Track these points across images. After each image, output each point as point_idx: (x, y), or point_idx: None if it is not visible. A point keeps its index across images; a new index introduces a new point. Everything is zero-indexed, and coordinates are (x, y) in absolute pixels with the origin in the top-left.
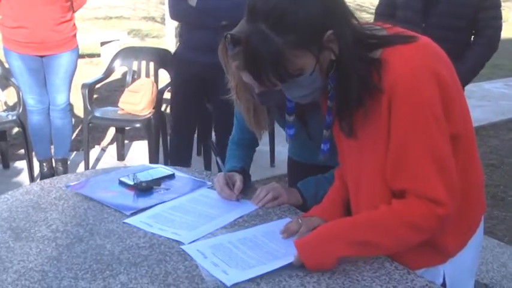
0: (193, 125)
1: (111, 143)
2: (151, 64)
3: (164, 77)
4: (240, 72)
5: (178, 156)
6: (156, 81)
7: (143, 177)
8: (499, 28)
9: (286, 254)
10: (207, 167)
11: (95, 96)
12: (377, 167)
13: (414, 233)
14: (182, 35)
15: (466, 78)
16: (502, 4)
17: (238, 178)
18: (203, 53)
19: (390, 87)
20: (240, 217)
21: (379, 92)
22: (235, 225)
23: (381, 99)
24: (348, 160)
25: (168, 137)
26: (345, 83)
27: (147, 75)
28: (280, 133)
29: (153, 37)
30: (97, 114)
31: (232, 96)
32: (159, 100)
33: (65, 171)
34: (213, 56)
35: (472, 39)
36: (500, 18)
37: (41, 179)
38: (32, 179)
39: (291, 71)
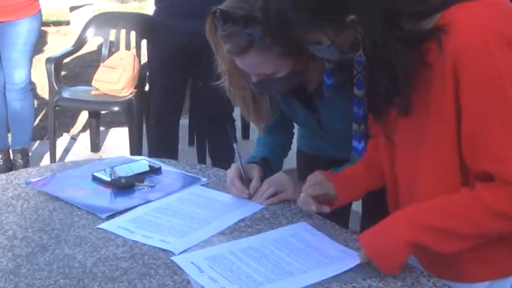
0: (179, 109)
1: (83, 130)
2: (133, 34)
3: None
4: (233, 57)
5: (161, 149)
6: (139, 54)
7: (123, 171)
8: None
9: (303, 269)
10: (201, 159)
11: (62, 73)
12: (442, 151)
13: (500, 221)
14: None
15: None
16: None
17: (256, 173)
18: (188, 18)
19: (456, 54)
20: (242, 220)
21: (436, 64)
22: (235, 231)
23: (444, 69)
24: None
25: (145, 126)
26: (372, 73)
27: (128, 48)
28: None
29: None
30: (65, 95)
31: (223, 82)
32: (142, 78)
33: (26, 165)
34: (200, 23)
35: None
36: None
37: None
38: None
39: (302, 42)
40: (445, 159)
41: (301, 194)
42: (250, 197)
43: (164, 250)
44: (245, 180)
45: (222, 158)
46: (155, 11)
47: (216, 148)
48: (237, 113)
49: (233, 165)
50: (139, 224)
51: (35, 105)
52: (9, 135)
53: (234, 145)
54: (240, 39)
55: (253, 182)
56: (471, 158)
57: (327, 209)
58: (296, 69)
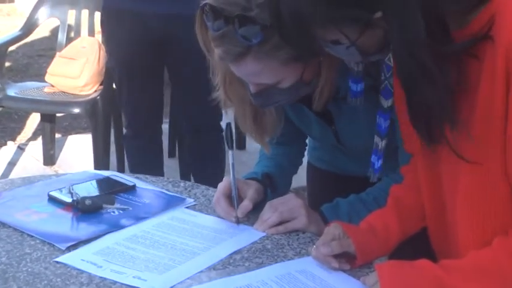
0: (160, 113)
1: (33, 137)
2: (98, 15)
3: None
4: (228, 64)
5: (142, 166)
6: None
7: (86, 190)
8: None
9: None
10: (185, 175)
11: (7, 64)
12: (485, 165)
13: None
14: None
15: None
16: None
17: (250, 192)
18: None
19: (507, 49)
20: (237, 252)
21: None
22: (229, 265)
23: (494, 62)
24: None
25: (113, 132)
26: (404, 80)
27: (91, 33)
28: None
29: None
30: (11, 92)
31: (217, 92)
32: (109, 71)
33: None
34: (170, 4)
35: None
36: None
37: None
38: None
39: (317, 42)
40: (487, 175)
41: (314, 246)
42: (237, 222)
43: None
44: (235, 198)
45: (206, 176)
46: None
47: (198, 165)
48: (231, 117)
49: (225, 179)
50: (108, 256)
51: None
52: None
53: (230, 152)
54: (233, 43)
55: (243, 203)
56: None
57: (347, 267)
58: (304, 78)
